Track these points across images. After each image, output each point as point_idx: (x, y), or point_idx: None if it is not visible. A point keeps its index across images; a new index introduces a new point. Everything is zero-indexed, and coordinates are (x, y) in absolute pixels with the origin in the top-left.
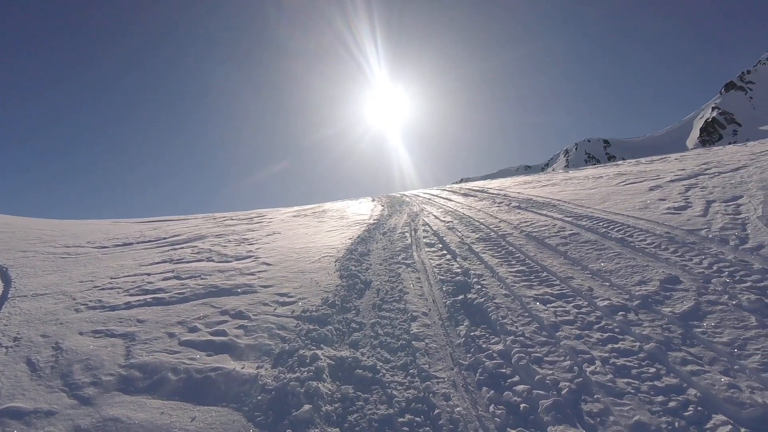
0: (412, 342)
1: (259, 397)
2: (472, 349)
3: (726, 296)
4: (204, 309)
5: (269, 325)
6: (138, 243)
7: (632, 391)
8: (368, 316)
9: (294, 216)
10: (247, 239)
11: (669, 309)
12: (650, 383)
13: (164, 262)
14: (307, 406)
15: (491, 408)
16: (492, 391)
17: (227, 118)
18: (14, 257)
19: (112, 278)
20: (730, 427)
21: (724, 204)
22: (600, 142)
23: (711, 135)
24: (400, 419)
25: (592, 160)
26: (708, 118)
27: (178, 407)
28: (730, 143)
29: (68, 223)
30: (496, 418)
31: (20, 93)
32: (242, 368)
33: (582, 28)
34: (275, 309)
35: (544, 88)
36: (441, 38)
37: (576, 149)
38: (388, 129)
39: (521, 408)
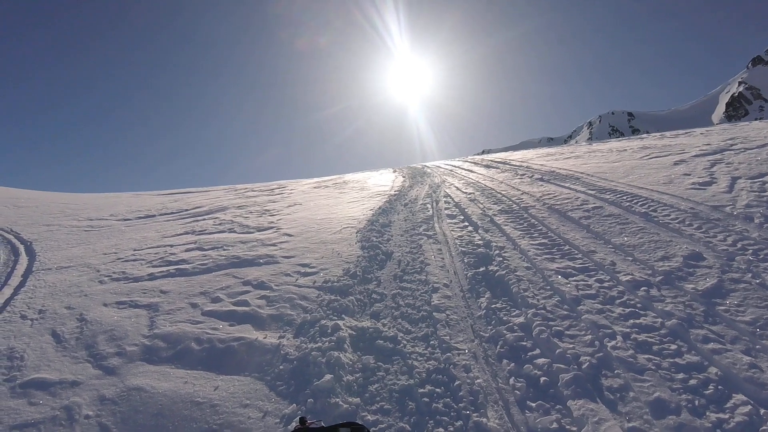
0: (433, 313)
1: (281, 367)
2: (493, 322)
3: (749, 275)
4: (226, 279)
5: (291, 295)
6: (160, 215)
7: (653, 367)
8: (389, 287)
9: (315, 187)
10: (269, 210)
11: (692, 286)
12: (671, 360)
13: (186, 233)
14: (328, 376)
15: (511, 381)
16: (512, 364)
17: (247, 90)
18: (38, 231)
19: (135, 250)
20: (749, 407)
21: (750, 181)
22: (624, 115)
23: (737, 110)
24: (421, 390)
25: (615, 132)
26: (734, 93)
27: (201, 376)
28: (756, 119)
29: (90, 197)
30: (516, 391)
31: (41, 67)
32: (264, 338)
33: None
34: (297, 279)
35: (568, 59)
36: (463, 6)
37: (600, 121)
38: (410, 100)
39: (541, 381)
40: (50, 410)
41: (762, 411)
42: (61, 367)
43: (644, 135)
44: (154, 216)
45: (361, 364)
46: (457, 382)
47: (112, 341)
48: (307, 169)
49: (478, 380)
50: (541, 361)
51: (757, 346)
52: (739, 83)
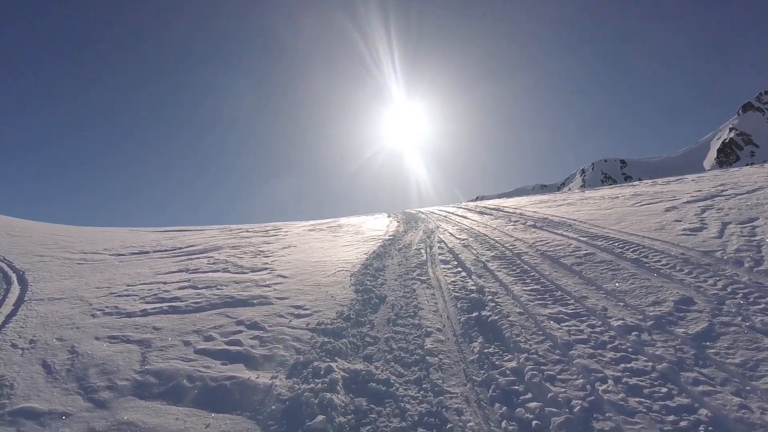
0: (426, 357)
1: (273, 407)
2: (486, 366)
3: (740, 318)
4: (220, 319)
5: (284, 336)
6: (154, 252)
7: (644, 410)
8: (383, 330)
9: (309, 230)
10: (263, 251)
11: (683, 330)
12: (662, 403)
13: (180, 271)
14: (320, 417)
15: (503, 424)
16: (504, 408)
17: (245, 134)
18: (31, 261)
19: (128, 285)
20: None
21: (740, 226)
22: (617, 163)
23: (728, 156)
24: None
25: (608, 180)
26: (725, 139)
27: (193, 414)
28: (747, 164)
29: (85, 230)
30: None
31: (40, 97)
32: (257, 378)
33: (599, 49)
34: (290, 321)
35: (561, 109)
36: (458, 58)
37: (592, 169)
38: (406, 145)
39: (533, 425)
40: None
41: None
42: (51, 398)
43: (636, 182)
44: (148, 252)
45: (354, 406)
46: (449, 425)
47: (104, 375)
48: (302, 212)
49: (470, 423)
50: (533, 405)
51: (747, 387)
52: (730, 129)
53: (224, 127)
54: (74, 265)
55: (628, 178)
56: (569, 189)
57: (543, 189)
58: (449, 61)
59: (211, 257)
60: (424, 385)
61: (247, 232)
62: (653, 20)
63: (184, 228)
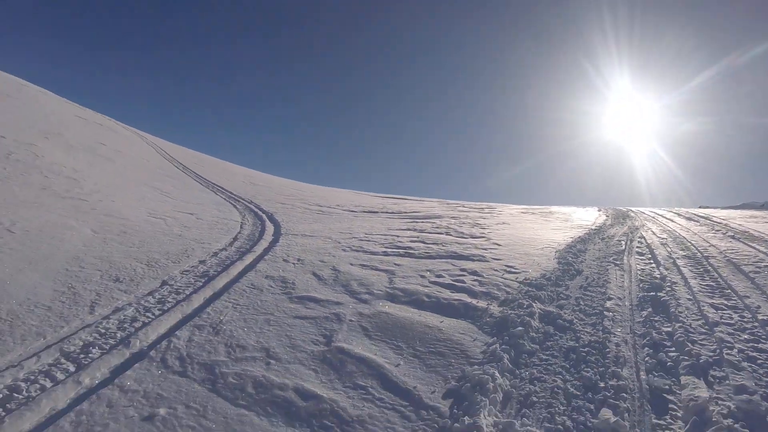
0: (604, 312)
1: (487, 319)
2: (647, 326)
3: None
4: (446, 265)
5: (497, 282)
6: (382, 212)
7: (750, 369)
8: (575, 292)
9: (522, 213)
10: (479, 224)
11: None
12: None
13: (408, 230)
14: (520, 328)
15: (646, 358)
16: (650, 350)
17: (469, 117)
18: (275, 207)
19: (366, 233)
20: None
21: None
22: None
23: None
24: (582, 350)
25: None
26: None
27: (430, 315)
28: None
29: (312, 187)
30: (647, 364)
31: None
32: (476, 303)
33: None
34: (503, 274)
35: None
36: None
37: None
38: (628, 142)
39: (667, 364)
40: (322, 312)
41: None
42: (326, 293)
43: None
44: (376, 213)
45: (544, 330)
46: (607, 350)
47: (362, 286)
48: (512, 197)
49: (623, 353)
50: (672, 353)
51: None
52: None
53: (447, 109)
54: (314, 214)
55: None
56: None
57: None
58: (677, 29)
59: (433, 222)
60: (597, 327)
61: (463, 207)
62: None
63: (404, 197)
